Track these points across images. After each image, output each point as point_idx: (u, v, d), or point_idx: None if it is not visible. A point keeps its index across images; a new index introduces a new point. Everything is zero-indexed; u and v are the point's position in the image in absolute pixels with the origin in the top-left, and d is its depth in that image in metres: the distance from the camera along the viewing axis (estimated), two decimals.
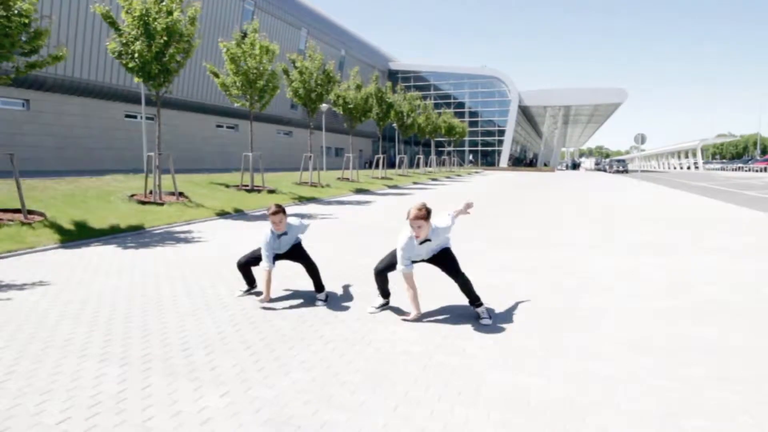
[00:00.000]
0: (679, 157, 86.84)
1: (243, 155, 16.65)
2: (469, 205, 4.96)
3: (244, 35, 15.48)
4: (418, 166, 45.48)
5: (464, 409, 2.92)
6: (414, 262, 4.55)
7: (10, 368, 3.42)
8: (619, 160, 67.51)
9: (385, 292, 4.80)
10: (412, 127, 35.37)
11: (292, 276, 6.07)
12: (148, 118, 31.45)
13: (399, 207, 15.26)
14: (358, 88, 24.80)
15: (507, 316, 4.60)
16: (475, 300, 4.53)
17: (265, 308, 4.82)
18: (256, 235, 9.45)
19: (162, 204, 11.82)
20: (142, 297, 5.20)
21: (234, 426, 2.71)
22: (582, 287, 5.64)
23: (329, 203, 16.53)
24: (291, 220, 5.03)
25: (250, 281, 5.33)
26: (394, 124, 34.16)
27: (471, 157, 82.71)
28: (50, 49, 10.03)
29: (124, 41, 11.21)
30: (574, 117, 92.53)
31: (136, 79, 11.80)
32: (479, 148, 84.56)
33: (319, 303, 4.98)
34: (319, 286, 5.13)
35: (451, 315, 4.61)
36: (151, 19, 10.98)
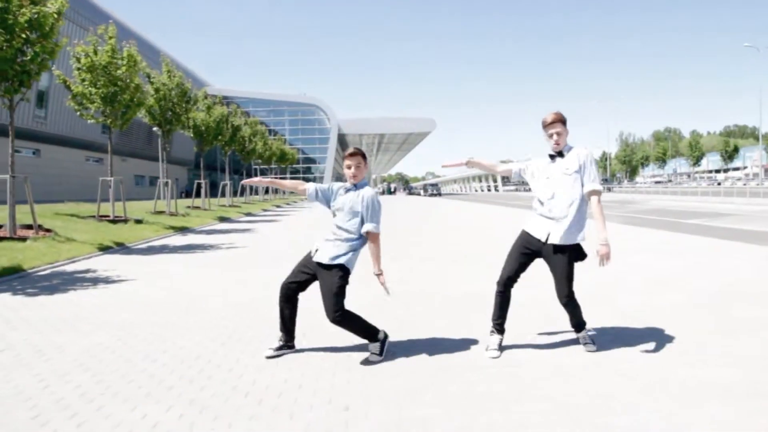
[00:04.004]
0: (480, 181, 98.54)
1: (101, 180, 13.98)
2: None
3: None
4: (241, 194, 40.42)
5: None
6: (527, 250, 3.66)
7: None
8: (432, 185, 73.89)
9: (501, 326, 3.75)
10: (253, 153, 33.96)
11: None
12: None
13: (290, 230, 14.37)
14: (208, 110, 22.94)
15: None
16: (580, 325, 3.84)
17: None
18: (186, 271, 7.86)
19: (24, 239, 9.25)
20: (165, 353, 3.87)
21: None
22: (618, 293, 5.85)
23: (210, 232, 14.77)
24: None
25: (290, 333, 3.73)
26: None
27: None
28: None
29: None
30: (387, 145, 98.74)
31: None
32: (301, 175, 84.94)
33: (374, 357, 3.57)
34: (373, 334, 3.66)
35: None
36: (11, 8, 8.62)
